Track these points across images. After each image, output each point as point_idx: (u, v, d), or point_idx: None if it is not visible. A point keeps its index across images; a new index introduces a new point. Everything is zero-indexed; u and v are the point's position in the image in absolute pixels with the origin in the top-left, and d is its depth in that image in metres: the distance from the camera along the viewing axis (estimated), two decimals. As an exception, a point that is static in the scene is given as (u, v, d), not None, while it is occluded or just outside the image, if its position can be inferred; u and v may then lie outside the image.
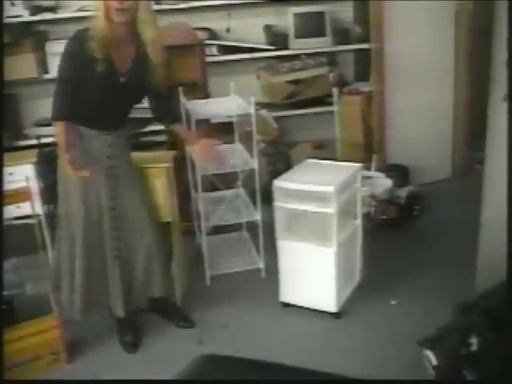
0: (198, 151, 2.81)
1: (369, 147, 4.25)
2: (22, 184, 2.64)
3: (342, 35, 4.47)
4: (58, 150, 2.54)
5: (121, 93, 2.51)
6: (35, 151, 3.50)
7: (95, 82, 2.44)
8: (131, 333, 2.77)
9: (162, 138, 3.97)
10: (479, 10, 4.03)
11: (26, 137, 4.11)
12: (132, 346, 2.73)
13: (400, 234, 3.67)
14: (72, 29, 2.51)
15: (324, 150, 4.40)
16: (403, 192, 3.82)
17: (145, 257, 2.66)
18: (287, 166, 3.82)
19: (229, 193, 3.51)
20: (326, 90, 4.27)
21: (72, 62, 2.42)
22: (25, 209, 2.79)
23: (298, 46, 4.36)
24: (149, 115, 3.98)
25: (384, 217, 3.69)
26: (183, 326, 2.86)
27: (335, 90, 4.10)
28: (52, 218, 3.45)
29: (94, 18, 2.38)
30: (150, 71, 2.53)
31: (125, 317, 2.73)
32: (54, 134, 2.55)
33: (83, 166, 2.43)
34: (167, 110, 2.82)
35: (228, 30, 4.46)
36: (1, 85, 3.19)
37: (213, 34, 4.34)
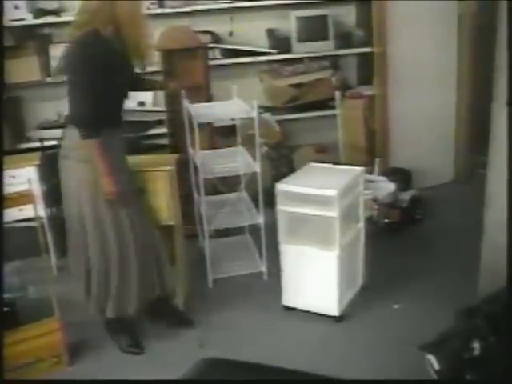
0: None
1: (371, 151, 4.24)
2: (25, 187, 2.63)
3: (345, 39, 4.48)
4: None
5: (127, 83, 2.56)
6: (38, 154, 3.52)
7: (116, 76, 2.43)
8: (131, 336, 2.77)
9: (165, 141, 3.97)
10: (482, 12, 4.04)
11: (29, 139, 4.13)
12: (133, 348, 2.73)
13: (402, 237, 3.67)
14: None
15: (327, 153, 4.40)
16: (406, 196, 3.82)
17: (145, 259, 2.64)
18: (290, 170, 3.82)
19: (231, 196, 3.51)
20: (329, 93, 4.27)
21: (95, 62, 2.35)
22: (27, 211, 2.80)
23: (300, 49, 4.36)
24: (150, 119, 4.06)
25: (386, 220, 3.69)
26: (185, 329, 2.85)
27: (338, 94, 4.10)
28: (54, 220, 3.46)
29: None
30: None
31: (124, 320, 2.74)
32: (87, 151, 2.41)
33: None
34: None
35: (231, 34, 4.47)
36: (1, 87, 3.20)
37: (216, 38, 4.35)
